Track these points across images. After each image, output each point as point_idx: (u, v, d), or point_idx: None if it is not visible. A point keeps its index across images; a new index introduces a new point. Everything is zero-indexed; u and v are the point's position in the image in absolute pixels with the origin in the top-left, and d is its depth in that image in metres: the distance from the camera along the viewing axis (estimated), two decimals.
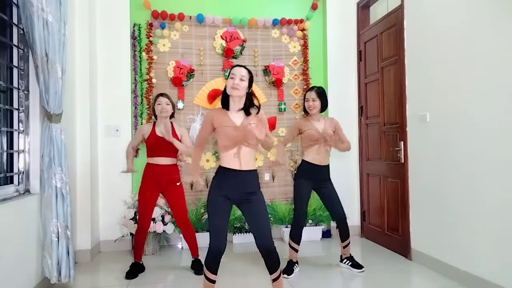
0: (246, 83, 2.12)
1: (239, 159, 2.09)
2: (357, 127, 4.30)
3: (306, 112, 3.10)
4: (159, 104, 3.01)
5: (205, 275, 2.15)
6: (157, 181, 3.00)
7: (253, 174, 2.16)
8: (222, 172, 2.13)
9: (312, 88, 3.05)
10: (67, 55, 2.81)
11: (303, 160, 3.07)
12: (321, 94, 3.01)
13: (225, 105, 2.18)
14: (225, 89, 2.18)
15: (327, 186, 3.05)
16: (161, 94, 3.07)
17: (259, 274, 2.95)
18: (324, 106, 3.03)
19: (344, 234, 3.08)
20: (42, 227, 2.61)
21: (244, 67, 2.18)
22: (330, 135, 3.00)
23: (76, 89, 3.45)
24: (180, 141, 3.03)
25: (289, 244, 3.04)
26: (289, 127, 3.68)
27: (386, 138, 3.77)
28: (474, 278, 2.59)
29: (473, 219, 2.62)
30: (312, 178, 3.01)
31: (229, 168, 2.10)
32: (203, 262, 2.25)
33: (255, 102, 2.19)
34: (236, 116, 2.15)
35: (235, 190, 2.11)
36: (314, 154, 3.00)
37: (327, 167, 3.07)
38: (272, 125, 4.22)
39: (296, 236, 3.01)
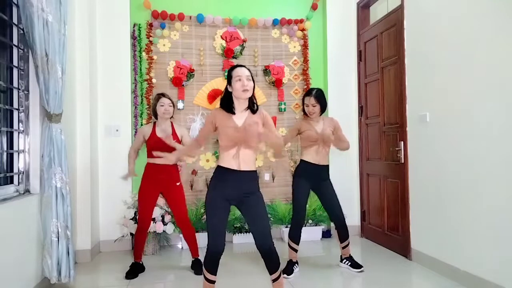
0: (252, 83, 2.11)
1: (238, 160, 2.07)
2: (357, 127, 4.30)
3: (305, 113, 3.10)
4: (162, 105, 2.99)
5: (204, 276, 2.15)
6: (157, 181, 3.00)
7: (252, 175, 2.14)
8: (221, 172, 2.12)
9: (310, 92, 3.00)
10: (67, 55, 2.81)
11: (301, 160, 3.06)
12: (320, 97, 2.96)
13: (228, 107, 2.13)
14: (225, 91, 2.16)
15: (326, 186, 3.05)
16: (163, 95, 3.05)
17: (259, 274, 2.95)
18: (323, 108, 3.01)
19: (343, 234, 3.08)
20: (42, 227, 2.61)
21: (244, 66, 2.16)
22: (329, 135, 3.00)
23: (76, 89, 3.45)
24: (181, 141, 3.03)
25: (289, 244, 3.04)
26: (289, 127, 3.68)
27: (386, 138, 3.77)
28: (474, 278, 2.59)
29: (473, 219, 2.62)
30: (310, 177, 3.00)
31: (228, 168, 2.09)
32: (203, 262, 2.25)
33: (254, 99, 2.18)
34: (239, 117, 2.13)
35: (233, 191, 2.09)
36: (313, 154, 2.99)
37: (326, 167, 3.06)
38: None
39: (295, 236, 3.01)
